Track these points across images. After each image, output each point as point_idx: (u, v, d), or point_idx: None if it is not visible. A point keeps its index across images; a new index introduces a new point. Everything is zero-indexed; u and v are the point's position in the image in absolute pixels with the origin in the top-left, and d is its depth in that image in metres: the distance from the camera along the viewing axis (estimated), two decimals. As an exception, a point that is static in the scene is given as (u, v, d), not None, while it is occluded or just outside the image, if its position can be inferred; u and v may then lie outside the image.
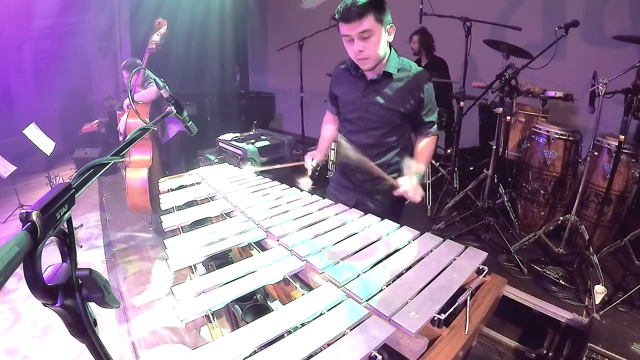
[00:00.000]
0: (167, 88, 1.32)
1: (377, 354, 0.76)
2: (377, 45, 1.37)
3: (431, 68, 3.61)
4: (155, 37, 3.09)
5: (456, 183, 3.30)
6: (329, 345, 0.79)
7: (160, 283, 2.68)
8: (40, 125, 3.69)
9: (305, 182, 1.68)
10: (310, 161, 1.73)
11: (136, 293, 2.57)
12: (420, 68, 1.54)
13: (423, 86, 1.48)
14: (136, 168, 3.06)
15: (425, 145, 1.58)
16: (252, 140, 3.88)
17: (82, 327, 0.50)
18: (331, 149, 3.82)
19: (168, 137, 3.48)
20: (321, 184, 1.99)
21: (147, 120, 2.50)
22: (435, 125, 1.60)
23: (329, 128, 1.85)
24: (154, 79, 1.31)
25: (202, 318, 0.91)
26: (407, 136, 1.64)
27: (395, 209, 1.64)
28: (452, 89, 3.66)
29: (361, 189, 1.69)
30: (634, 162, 2.31)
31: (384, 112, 1.52)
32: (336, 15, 1.35)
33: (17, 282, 2.49)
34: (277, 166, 1.94)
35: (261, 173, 2.04)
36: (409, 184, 1.36)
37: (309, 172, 1.72)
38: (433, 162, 3.23)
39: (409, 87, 1.48)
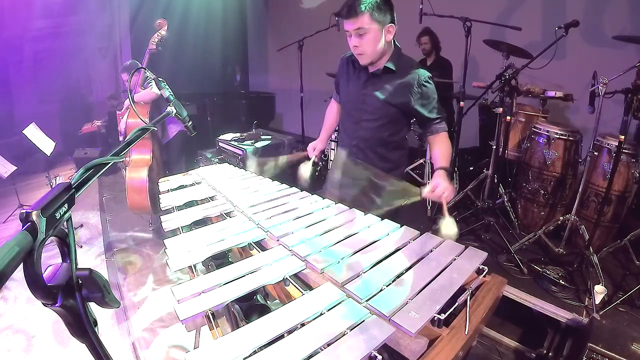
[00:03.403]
0: (168, 88, 1.32)
1: (377, 354, 0.76)
2: (372, 43, 1.41)
3: (437, 67, 3.60)
4: (156, 38, 3.09)
5: (456, 183, 3.29)
6: (329, 345, 0.79)
7: (160, 283, 2.68)
8: (40, 125, 3.68)
9: (306, 167, 1.69)
10: (313, 151, 1.78)
11: (136, 293, 2.57)
12: (420, 65, 1.55)
13: (422, 83, 1.49)
14: (136, 168, 3.06)
15: (439, 145, 1.55)
16: (252, 140, 3.87)
17: (82, 327, 0.50)
18: (331, 149, 3.82)
19: (168, 138, 3.48)
20: (321, 184, 1.99)
21: (147, 120, 2.50)
22: (443, 122, 1.57)
23: (330, 116, 1.88)
24: (154, 79, 1.31)
25: (202, 318, 0.91)
26: (403, 134, 1.64)
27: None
28: (453, 88, 3.66)
29: (359, 187, 1.69)
30: (634, 162, 2.31)
31: (380, 105, 1.54)
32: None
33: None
34: (281, 158, 1.90)
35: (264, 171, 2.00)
36: (440, 187, 1.33)
37: (312, 160, 1.75)
38: (433, 162, 3.24)
39: (408, 83, 1.50)
